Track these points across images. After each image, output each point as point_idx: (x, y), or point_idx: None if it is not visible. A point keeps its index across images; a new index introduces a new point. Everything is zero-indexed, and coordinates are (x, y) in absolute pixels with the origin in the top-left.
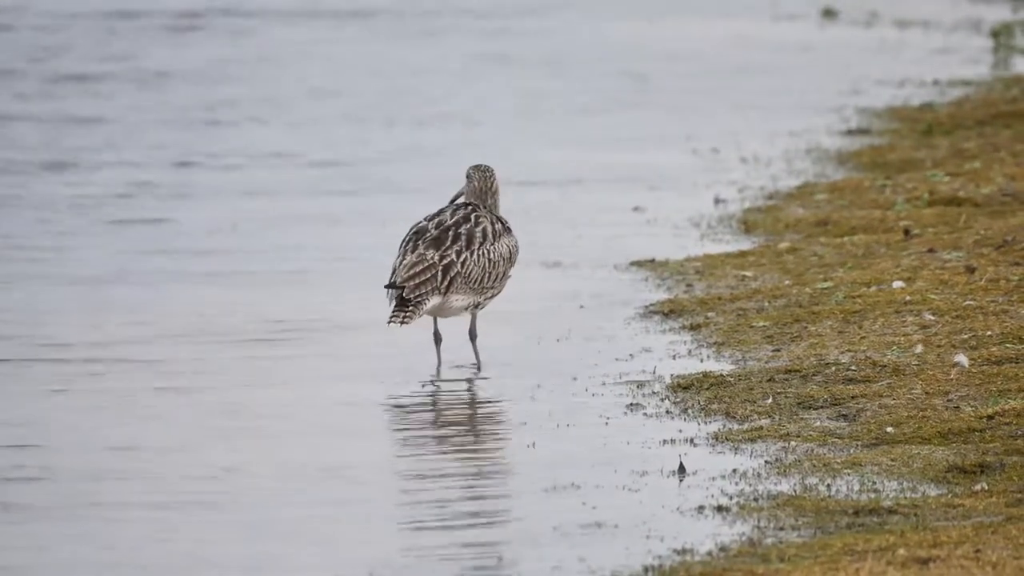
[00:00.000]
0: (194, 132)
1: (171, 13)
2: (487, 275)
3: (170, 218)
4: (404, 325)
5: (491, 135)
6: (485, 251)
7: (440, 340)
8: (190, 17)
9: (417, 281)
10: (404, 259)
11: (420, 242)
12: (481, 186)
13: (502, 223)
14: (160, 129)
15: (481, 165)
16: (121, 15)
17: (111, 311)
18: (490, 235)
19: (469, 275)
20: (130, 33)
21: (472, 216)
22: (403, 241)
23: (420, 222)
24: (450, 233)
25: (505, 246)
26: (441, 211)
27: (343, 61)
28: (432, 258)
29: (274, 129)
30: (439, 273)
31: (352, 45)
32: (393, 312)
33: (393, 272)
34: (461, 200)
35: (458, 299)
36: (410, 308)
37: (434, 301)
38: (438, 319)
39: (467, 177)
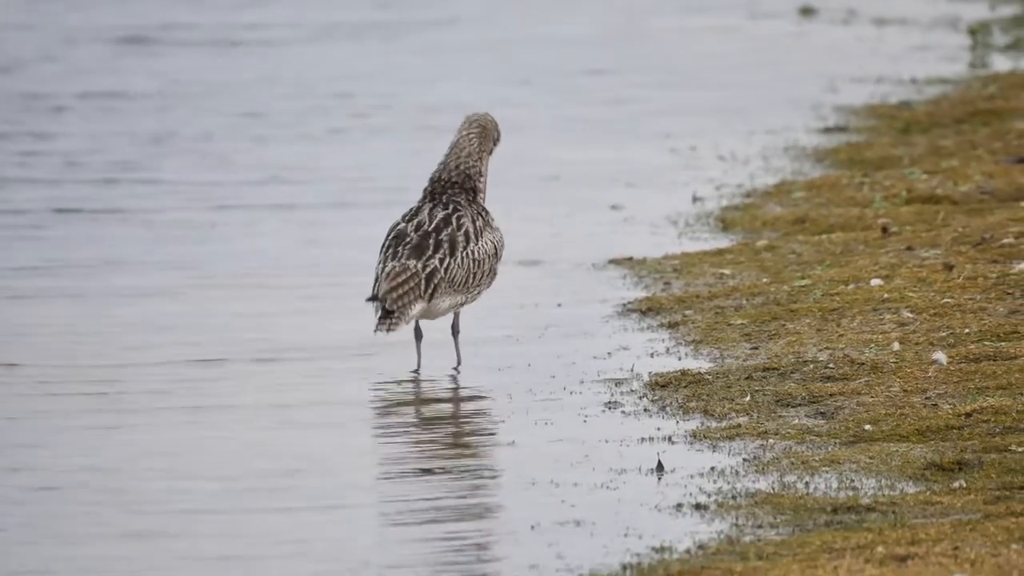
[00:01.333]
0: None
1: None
2: (472, 275)
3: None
4: (391, 332)
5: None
6: (469, 253)
7: (420, 336)
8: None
9: (399, 292)
10: (385, 267)
11: (401, 248)
12: (462, 122)
13: (483, 217)
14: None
15: (471, 114)
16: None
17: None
18: (472, 235)
19: (453, 279)
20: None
21: (453, 217)
22: (383, 246)
23: (399, 223)
24: (431, 241)
25: (489, 242)
26: (419, 208)
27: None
28: (415, 267)
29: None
30: (422, 282)
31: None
32: (379, 321)
33: (376, 281)
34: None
35: (444, 301)
36: (395, 316)
37: (418, 307)
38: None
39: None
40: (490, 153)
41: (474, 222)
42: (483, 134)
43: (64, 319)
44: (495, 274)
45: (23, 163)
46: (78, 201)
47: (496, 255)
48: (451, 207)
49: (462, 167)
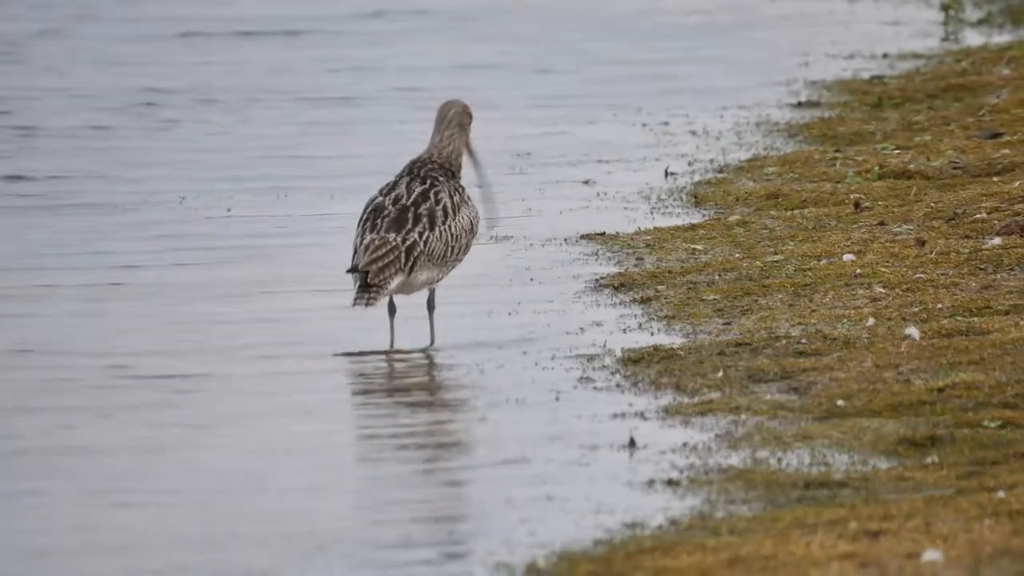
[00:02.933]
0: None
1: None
2: (450, 249)
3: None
4: (369, 306)
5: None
6: (448, 227)
7: (394, 311)
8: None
9: (381, 264)
10: (363, 239)
11: (380, 221)
12: (439, 115)
13: (460, 193)
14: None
15: (446, 106)
16: None
17: None
18: (450, 210)
19: (432, 253)
20: None
21: (432, 192)
22: (360, 219)
23: (376, 197)
24: (410, 214)
25: (466, 218)
26: (396, 183)
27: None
28: (394, 240)
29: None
30: (403, 255)
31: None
32: (358, 294)
33: (354, 253)
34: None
35: (422, 275)
36: (374, 289)
37: (398, 280)
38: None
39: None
40: (468, 136)
41: (451, 197)
42: (462, 128)
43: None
44: (469, 249)
45: None
46: None
47: (472, 231)
48: (428, 182)
49: (443, 159)
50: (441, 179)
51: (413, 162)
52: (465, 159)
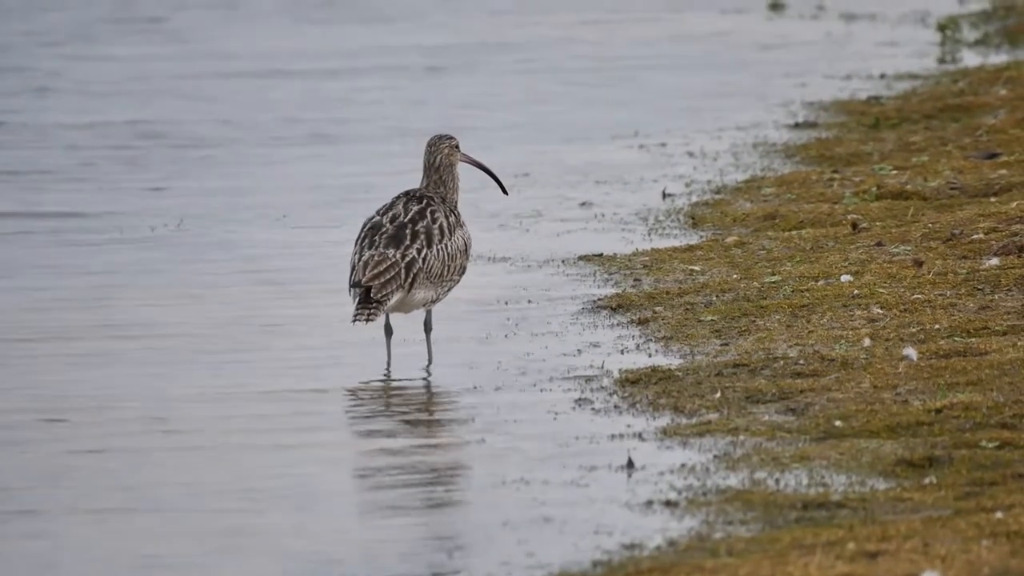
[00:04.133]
0: None
1: None
2: (447, 268)
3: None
4: (369, 322)
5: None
6: (445, 246)
7: (391, 333)
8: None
9: (383, 280)
10: (362, 256)
11: (378, 238)
12: (426, 161)
13: (455, 215)
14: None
15: (432, 137)
16: None
17: None
18: (447, 229)
19: (431, 271)
20: None
21: (428, 211)
22: (359, 237)
23: (373, 217)
24: (407, 231)
25: (460, 239)
26: (393, 203)
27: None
28: (394, 256)
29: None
30: (403, 271)
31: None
32: (357, 310)
33: (352, 270)
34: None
35: (420, 294)
36: (374, 305)
37: (397, 297)
38: (391, 313)
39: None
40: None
41: (447, 218)
42: (451, 165)
43: None
44: (464, 271)
45: None
46: None
47: (466, 252)
48: (424, 201)
49: (438, 194)
50: (436, 201)
51: (408, 191)
52: (462, 165)
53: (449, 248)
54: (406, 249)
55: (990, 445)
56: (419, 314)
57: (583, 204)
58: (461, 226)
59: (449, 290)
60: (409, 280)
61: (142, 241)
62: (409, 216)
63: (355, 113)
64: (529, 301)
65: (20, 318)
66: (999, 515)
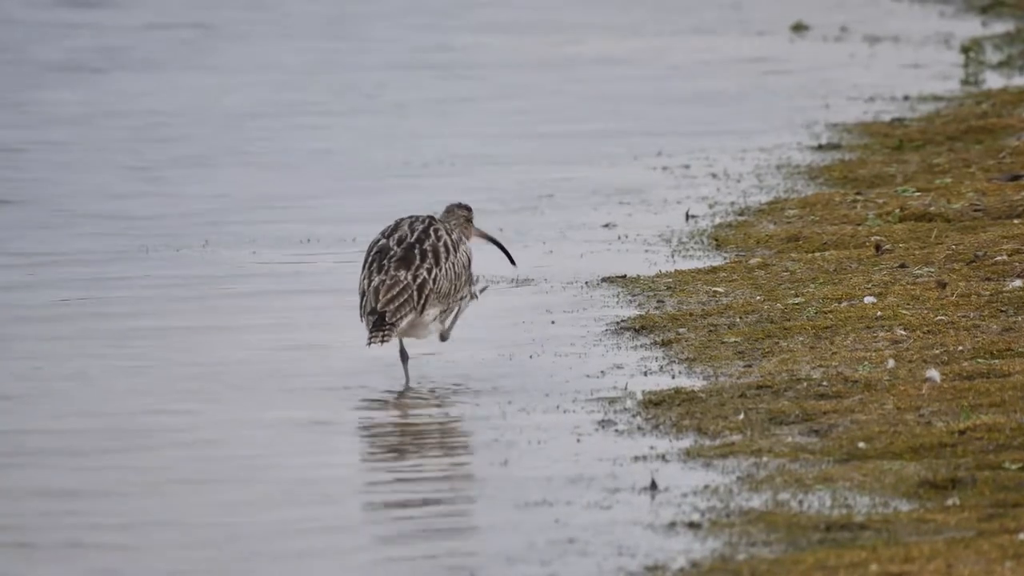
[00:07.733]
0: None
1: None
2: (453, 286)
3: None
4: (384, 343)
5: (462, 153)
6: (452, 264)
7: (407, 358)
8: None
9: (397, 304)
10: (372, 281)
11: (387, 261)
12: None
13: (457, 232)
14: None
15: (450, 204)
16: None
17: None
18: (451, 247)
19: (440, 290)
20: None
21: (431, 231)
22: (366, 262)
23: (379, 239)
24: (416, 251)
25: (463, 254)
26: (398, 225)
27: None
28: (405, 278)
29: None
30: (415, 293)
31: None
32: (372, 332)
33: (363, 295)
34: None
35: (430, 312)
36: (387, 327)
37: (410, 318)
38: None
39: (447, 212)
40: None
41: (449, 235)
42: (467, 224)
43: None
44: (470, 283)
45: None
46: None
47: (468, 266)
48: (427, 220)
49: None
50: (438, 219)
51: (412, 215)
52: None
53: (456, 266)
54: (416, 270)
55: (1013, 467)
56: (430, 337)
57: (606, 225)
58: (463, 241)
59: (456, 306)
60: (422, 302)
61: None
62: (415, 236)
63: (378, 139)
64: (553, 322)
65: None
66: (1022, 536)
